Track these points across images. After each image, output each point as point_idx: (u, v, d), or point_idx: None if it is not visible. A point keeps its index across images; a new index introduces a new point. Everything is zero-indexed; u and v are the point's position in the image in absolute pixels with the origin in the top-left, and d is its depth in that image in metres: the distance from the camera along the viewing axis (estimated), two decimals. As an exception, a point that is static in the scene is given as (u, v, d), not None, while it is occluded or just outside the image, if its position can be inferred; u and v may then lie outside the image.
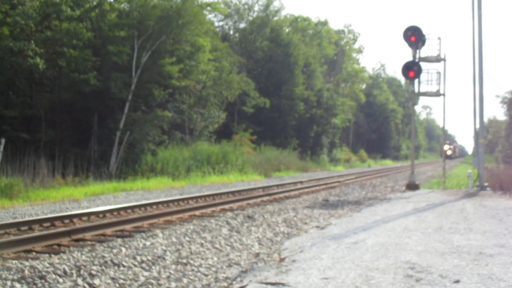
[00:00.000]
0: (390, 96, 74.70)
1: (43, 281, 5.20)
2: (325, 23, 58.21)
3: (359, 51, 67.21)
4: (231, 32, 44.66)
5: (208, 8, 27.82)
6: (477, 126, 17.38)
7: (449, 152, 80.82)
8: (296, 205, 12.60)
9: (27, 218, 9.26)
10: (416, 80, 17.66)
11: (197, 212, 10.65)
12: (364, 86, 69.04)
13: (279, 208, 11.85)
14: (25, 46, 17.88)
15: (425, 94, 18.21)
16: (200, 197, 13.71)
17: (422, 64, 17.52)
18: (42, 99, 20.02)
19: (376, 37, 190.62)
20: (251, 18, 44.37)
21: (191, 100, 29.23)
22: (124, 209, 10.86)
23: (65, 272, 5.51)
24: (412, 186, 17.72)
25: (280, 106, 40.56)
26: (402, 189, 17.97)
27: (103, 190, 15.86)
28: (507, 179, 16.39)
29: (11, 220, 9.28)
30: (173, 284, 5.32)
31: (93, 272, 5.56)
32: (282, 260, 6.28)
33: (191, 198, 13.28)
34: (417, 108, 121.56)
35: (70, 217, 9.48)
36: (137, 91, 22.60)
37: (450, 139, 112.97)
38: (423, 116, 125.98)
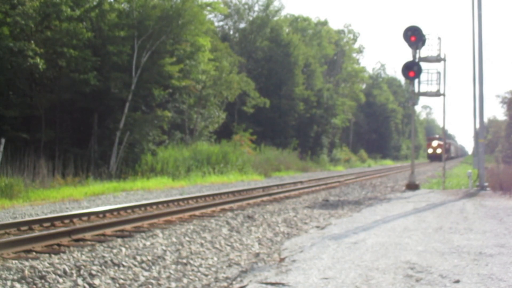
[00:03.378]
0: (390, 96, 74.73)
1: (43, 281, 5.20)
2: (325, 23, 58.27)
3: (359, 51, 67.32)
4: (231, 32, 44.70)
5: (208, 8, 27.80)
6: (477, 126, 17.38)
7: (438, 151, 59.84)
8: (296, 205, 12.60)
9: (27, 218, 9.26)
10: (416, 80, 17.66)
11: (197, 212, 10.65)
12: (364, 86, 69.10)
13: (279, 208, 11.85)
14: (25, 46, 17.87)
15: (425, 94, 18.21)
16: (200, 197, 13.71)
17: (422, 64, 17.53)
18: (42, 99, 20.01)
19: (376, 37, 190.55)
20: (251, 18, 44.40)
21: (191, 100, 29.23)
22: (124, 209, 10.86)
23: (65, 272, 5.51)
24: (412, 186, 17.71)
25: (280, 106, 40.57)
26: (402, 189, 17.96)
27: (103, 190, 15.86)
28: (507, 179, 16.39)
29: (11, 220, 9.28)
30: (173, 284, 5.32)
31: (93, 272, 5.56)
32: (282, 260, 6.28)
33: (191, 198, 13.28)
34: (417, 108, 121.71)
35: (70, 217, 9.48)
36: (137, 91, 22.59)
37: (450, 139, 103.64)
38: (423, 116, 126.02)
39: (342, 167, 44.74)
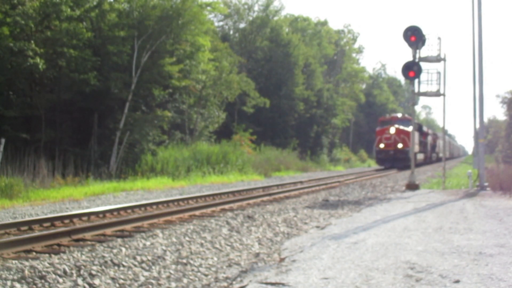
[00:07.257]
0: (390, 96, 74.77)
1: (43, 281, 5.20)
2: (324, 23, 58.32)
3: (359, 51, 67.37)
4: (231, 32, 44.72)
5: (208, 8, 27.82)
6: (477, 126, 17.37)
7: (399, 146, 32.79)
8: (296, 205, 12.60)
9: (27, 218, 9.26)
10: (416, 80, 17.65)
11: (197, 212, 10.65)
12: (364, 86, 69.12)
13: (279, 208, 11.85)
14: (25, 46, 17.88)
15: (425, 94, 18.21)
16: (200, 197, 13.70)
17: (422, 64, 17.51)
18: (42, 99, 20.02)
19: (376, 37, 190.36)
20: (251, 18, 44.43)
21: (191, 100, 29.24)
22: (124, 209, 10.86)
23: (65, 272, 5.51)
24: (412, 186, 17.70)
25: (280, 106, 40.59)
26: (402, 189, 17.95)
27: (103, 190, 15.86)
28: (507, 179, 16.38)
29: (11, 220, 9.28)
30: (173, 284, 5.32)
31: (93, 272, 5.55)
32: (282, 260, 6.28)
33: (191, 198, 13.28)
34: (417, 108, 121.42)
35: (70, 217, 9.48)
36: (137, 91, 22.61)
37: (450, 139, 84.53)
38: (423, 116, 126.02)
39: (342, 167, 44.74)
